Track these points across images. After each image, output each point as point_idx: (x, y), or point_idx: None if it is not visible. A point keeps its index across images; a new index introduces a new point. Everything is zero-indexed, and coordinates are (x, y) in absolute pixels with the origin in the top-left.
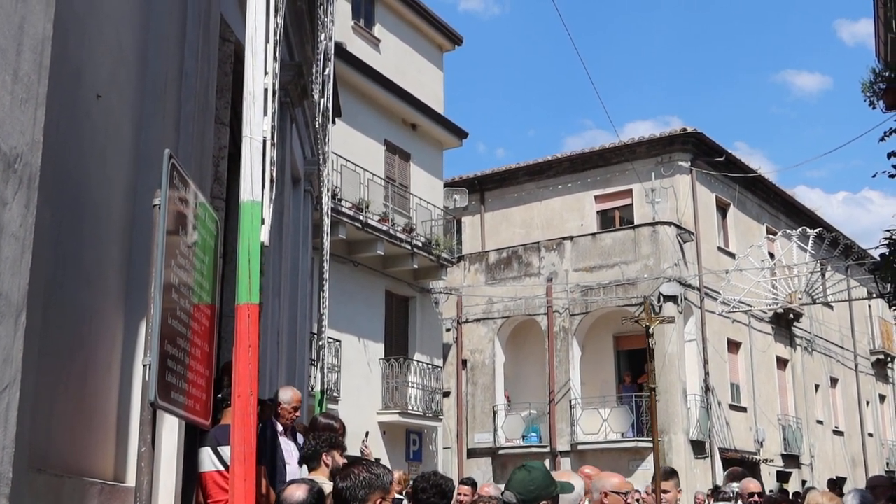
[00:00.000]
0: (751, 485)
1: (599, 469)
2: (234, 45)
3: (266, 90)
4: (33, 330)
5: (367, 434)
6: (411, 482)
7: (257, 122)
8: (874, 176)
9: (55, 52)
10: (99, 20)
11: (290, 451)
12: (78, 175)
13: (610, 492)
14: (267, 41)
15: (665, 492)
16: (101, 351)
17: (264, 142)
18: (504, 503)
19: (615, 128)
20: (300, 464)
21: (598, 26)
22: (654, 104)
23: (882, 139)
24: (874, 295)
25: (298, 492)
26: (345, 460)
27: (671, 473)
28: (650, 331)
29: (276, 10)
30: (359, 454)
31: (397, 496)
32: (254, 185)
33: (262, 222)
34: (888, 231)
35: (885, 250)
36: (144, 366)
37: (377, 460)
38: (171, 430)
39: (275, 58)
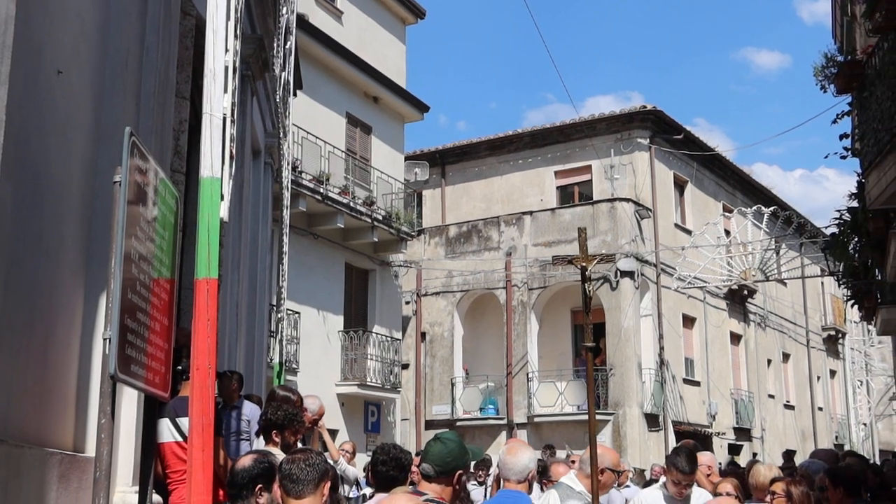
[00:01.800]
0: (704, 457)
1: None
2: (195, 19)
3: (227, 67)
4: None
5: None
6: (369, 454)
7: (217, 99)
8: (826, 157)
9: (17, 30)
10: None
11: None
12: (38, 150)
13: (606, 468)
14: (228, 18)
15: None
16: (61, 324)
17: (224, 119)
18: (422, 475)
19: (574, 103)
20: (256, 436)
21: (563, 1)
22: (615, 80)
23: (834, 121)
24: (826, 272)
25: (246, 460)
26: (298, 437)
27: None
28: (587, 273)
29: None
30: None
31: (350, 467)
32: (213, 161)
33: (222, 198)
34: (839, 211)
35: (836, 230)
36: (104, 339)
37: (335, 431)
38: (130, 401)
39: (235, 35)
